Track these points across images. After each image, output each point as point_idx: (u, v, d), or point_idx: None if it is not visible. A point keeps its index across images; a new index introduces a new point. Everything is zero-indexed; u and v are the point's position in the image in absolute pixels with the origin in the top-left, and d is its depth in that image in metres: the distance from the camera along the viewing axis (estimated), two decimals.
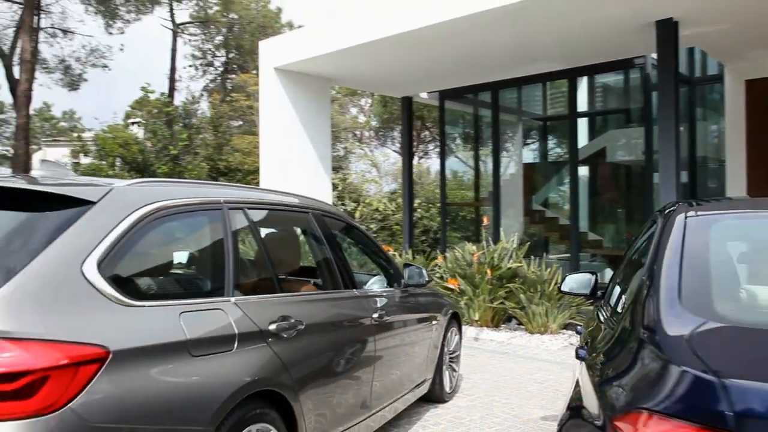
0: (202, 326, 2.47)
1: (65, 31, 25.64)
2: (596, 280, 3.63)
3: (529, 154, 13.95)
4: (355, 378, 3.57)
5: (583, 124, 12.25)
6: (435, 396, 5.18)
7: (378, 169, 26.36)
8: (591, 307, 4.29)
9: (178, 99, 27.81)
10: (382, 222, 17.53)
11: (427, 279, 4.71)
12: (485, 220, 10.31)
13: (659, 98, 8.25)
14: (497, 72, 10.70)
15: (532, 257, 9.21)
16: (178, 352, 2.30)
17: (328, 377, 3.26)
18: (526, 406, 5.23)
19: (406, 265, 4.73)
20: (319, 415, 3.10)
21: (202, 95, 30.41)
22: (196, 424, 2.26)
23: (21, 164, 19.48)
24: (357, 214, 17.19)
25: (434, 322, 4.96)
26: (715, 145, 11.91)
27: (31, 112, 23.39)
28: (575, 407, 2.03)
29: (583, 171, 12.21)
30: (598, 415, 1.68)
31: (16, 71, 21.22)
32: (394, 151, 27.39)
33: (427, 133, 25.36)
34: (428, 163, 27.28)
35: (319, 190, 11.04)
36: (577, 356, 2.39)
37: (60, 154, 26.43)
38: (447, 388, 5.32)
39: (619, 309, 2.35)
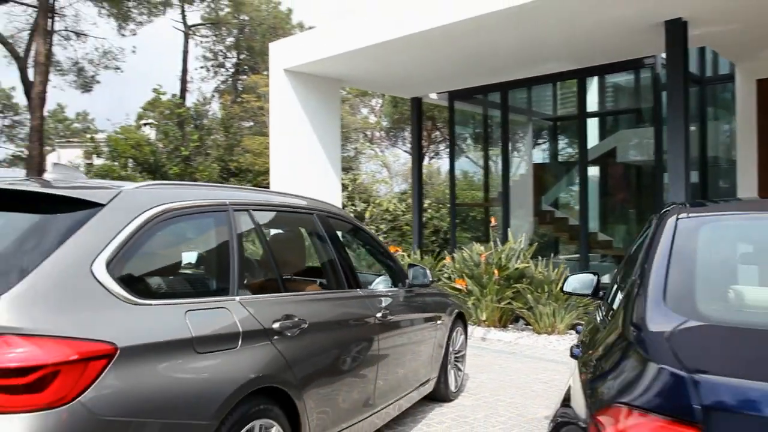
0: (207, 324, 2.55)
1: (78, 34, 25.94)
2: (598, 280, 3.68)
3: (539, 155, 13.96)
4: (359, 376, 3.64)
5: (592, 124, 12.25)
6: (440, 395, 5.24)
7: (388, 169, 26.41)
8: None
9: (190, 100, 28.05)
10: (392, 222, 17.55)
11: (430, 279, 4.78)
12: (493, 221, 10.35)
13: (668, 98, 8.25)
14: (507, 72, 10.72)
15: (542, 258, 9.23)
16: (184, 349, 2.38)
17: (331, 375, 3.34)
18: (531, 406, 5.27)
19: (411, 266, 4.79)
20: (323, 412, 3.17)
21: (213, 96, 30.65)
22: (200, 419, 2.34)
23: (35, 165, 19.73)
24: (367, 215, 17.23)
25: (439, 322, 5.01)
26: (727, 145, 11.87)
27: (45, 113, 23.68)
28: (566, 404, 2.08)
29: (593, 171, 12.20)
30: (584, 411, 1.74)
31: (31, 73, 21.49)
32: (405, 151, 27.44)
33: (437, 133, 25.38)
34: (439, 164, 27.32)
35: (329, 190, 11.11)
36: (572, 355, 2.44)
37: (73, 155, 26.72)
38: (452, 387, 5.38)
39: (613, 308, 2.41)
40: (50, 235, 2.26)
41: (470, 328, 8.56)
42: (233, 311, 2.71)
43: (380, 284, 4.65)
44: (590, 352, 2.15)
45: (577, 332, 4.02)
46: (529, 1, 7.28)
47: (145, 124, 23.58)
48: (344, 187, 16.88)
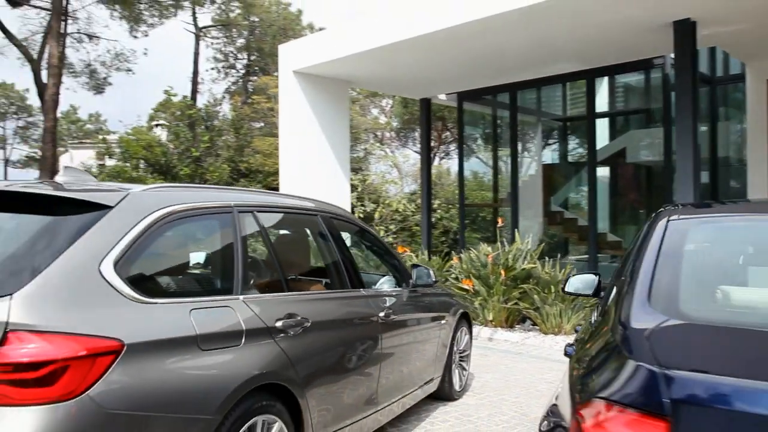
0: (211, 322, 2.63)
1: (91, 36, 26.22)
2: (599, 280, 3.73)
3: (548, 155, 13.99)
4: (361, 374, 3.72)
5: (601, 124, 12.26)
6: (444, 394, 5.30)
7: (399, 169, 26.44)
8: None
9: (201, 101, 28.26)
10: (402, 223, 17.58)
11: (434, 279, 4.85)
12: (500, 221, 10.38)
13: (677, 98, 8.25)
14: (515, 73, 10.75)
15: (551, 258, 9.24)
16: (188, 346, 2.47)
17: (334, 373, 3.41)
18: (535, 405, 5.32)
19: (414, 266, 4.86)
20: (325, 409, 3.25)
21: (224, 97, 30.84)
22: (204, 413, 2.43)
23: (48, 166, 19.97)
24: (376, 215, 17.26)
25: (443, 322, 5.08)
26: (738, 145, 11.84)
27: (59, 115, 23.94)
28: (555, 402, 2.15)
29: (602, 172, 12.21)
30: (569, 407, 1.80)
31: (44, 76, 21.74)
32: (415, 151, 27.49)
33: (448, 133, 25.41)
34: (449, 164, 27.34)
35: (338, 191, 11.19)
36: (565, 353, 2.50)
37: (86, 156, 26.97)
38: (456, 387, 5.44)
39: (606, 307, 2.47)
40: (61, 236, 2.35)
41: (477, 329, 8.62)
42: (237, 310, 2.80)
43: (385, 284, 4.73)
44: (581, 350, 2.21)
45: (576, 332, 4.07)
46: (538, 2, 7.32)
47: (156, 125, 23.77)
48: (354, 187, 16.93)
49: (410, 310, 4.59)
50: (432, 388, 5.05)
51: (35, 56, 23.30)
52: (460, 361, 5.60)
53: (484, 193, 15.18)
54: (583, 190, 12.13)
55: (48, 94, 20.29)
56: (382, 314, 4.01)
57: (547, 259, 9.21)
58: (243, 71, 32.80)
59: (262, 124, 25.36)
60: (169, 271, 2.90)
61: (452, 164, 26.71)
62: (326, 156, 11.13)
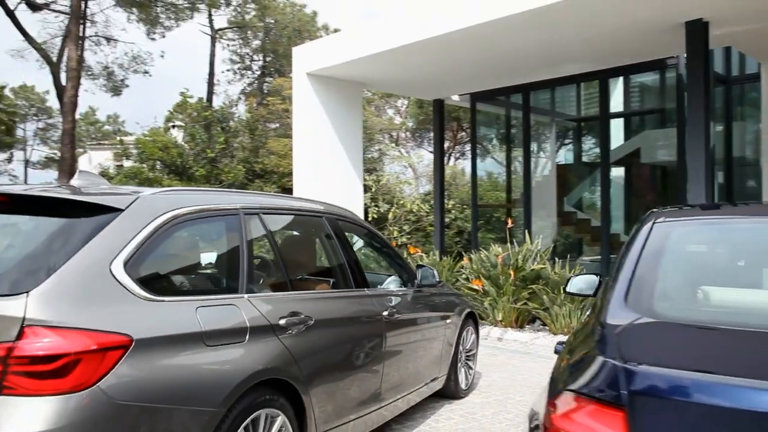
0: (216, 319, 2.76)
1: (109, 39, 26.59)
2: (600, 281, 3.80)
3: (562, 156, 13.99)
4: (365, 371, 3.83)
5: (615, 125, 12.25)
6: (450, 392, 5.39)
7: (414, 170, 26.51)
8: None
9: (217, 103, 28.54)
10: (416, 223, 17.64)
11: (438, 279, 4.96)
12: (510, 222, 10.44)
13: (688, 99, 8.24)
14: (528, 74, 10.77)
15: (561, 259, 9.27)
16: (194, 342, 2.60)
17: (337, 369, 3.53)
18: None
19: (419, 266, 4.98)
20: (328, 404, 3.36)
21: (239, 99, 31.11)
22: (209, 406, 2.55)
23: (67, 167, 20.31)
24: (390, 216, 17.35)
25: (448, 321, 5.17)
26: (754, 145, 11.77)
27: (77, 116, 24.31)
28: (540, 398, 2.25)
29: (615, 172, 12.20)
30: (546, 399, 1.91)
31: (63, 78, 22.10)
32: (430, 152, 27.52)
33: (463, 134, 25.44)
34: (464, 165, 27.37)
35: (351, 192, 11.30)
36: (555, 351, 2.60)
37: (103, 157, 27.38)
38: (462, 385, 5.53)
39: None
40: (74, 237, 2.49)
41: (487, 329, 8.70)
42: (242, 308, 2.92)
43: (391, 284, 4.84)
44: (565, 348, 2.31)
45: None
46: (551, 3, 7.35)
47: (173, 127, 24.09)
48: (368, 188, 17.02)
49: (415, 310, 4.70)
50: (438, 386, 5.15)
51: (54, 59, 23.69)
52: (467, 360, 5.69)
53: (498, 194, 15.21)
54: (596, 191, 12.13)
55: (67, 97, 20.64)
56: (386, 313, 4.12)
57: (556, 259, 9.26)
58: (258, 73, 33.08)
59: (277, 125, 25.56)
60: (176, 271, 3.03)
61: (467, 165, 26.72)
62: (339, 157, 11.24)
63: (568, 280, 3.94)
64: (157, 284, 2.67)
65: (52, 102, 41.58)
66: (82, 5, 22.80)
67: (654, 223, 2.41)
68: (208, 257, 3.36)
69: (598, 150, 11.40)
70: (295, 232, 4.32)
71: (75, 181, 3.03)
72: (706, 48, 7.98)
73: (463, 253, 11.22)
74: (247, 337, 2.85)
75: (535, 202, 11.90)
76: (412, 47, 9.15)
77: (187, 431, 2.48)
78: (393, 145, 28.08)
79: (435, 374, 5.01)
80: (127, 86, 29.05)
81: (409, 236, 17.19)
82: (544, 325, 8.79)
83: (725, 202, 9.75)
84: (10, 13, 23.12)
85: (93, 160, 33.98)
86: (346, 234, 4.25)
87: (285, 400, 2.99)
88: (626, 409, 1.54)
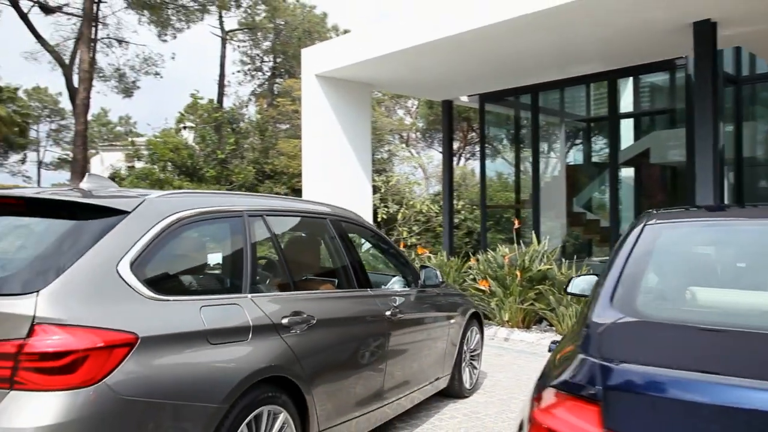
0: (220, 318, 2.84)
1: (120, 41, 26.84)
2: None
3: (571, 156, 13.98)
4: (367, 369, 3.90)
5: (624, 125, 12.25)
6: (454, 391, 5.45)
7: (424, 170, 26.55)
8: None
9: (227, 104, 28.73)
10: (426, 224, 17.67)
11: (440, 280, 5.04)
12: (517, 223, 10.47)
13: (696, 99, 8.25)
14: (537, 74, 10.79)
15: (575, 260, 9.28)
16: (198, 340, 2.68)
17: (339, 367, 3.61)
18: None
19: (423, 267, 5.06)
20: (330, 402, 3.44)
21: (250, 100, 31.29)
22: (212, 402, 2.63)
23: (79, 168, 20.54)
24: (399, 216, 17.39)
25: (452, 321, 5.23)
26: (764, 145, 11.73)
27: (90, 118, 24.56)
28: None
29: (625, 173, 12.19)
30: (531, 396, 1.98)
31: (75, 80, 22.34)
32: (440, 152, 27.54)
33: (473, 134, 25.46)
34: (474, 165, 27.39)
35: (360, 192, 11.37)
36: (549, 350, 2.65)
37: (115, 158, 27.63)
38: (467, 385, 5.58)
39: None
40: (83, 239, 2.59)
41: (494, 329, 8.75)
42: (245, 307, 3.00)
43: (395, 284, 4.92)
44: (557, 347, 2.37)
45: None
46: (562, 4, 7.38)
47: (184, 128, 24.29)
48: (377, 189, 17.06)
49: (418, 309, 4.76)
50: (442, 384, 5.21)
51: (67, 61, 23.95)
52: (471, 359, 5.75)
53: (508, 194, 15.22)
54: (605, 192, 12.12)
55: (79, 99, 20.88)
56: (389, 313, 4.19)
57: (563, 260, 9.28)
58: (269, 74, 33.24)
59: (288, 126, 25.70)
60: (181, 271, 3.11)
61: (477, 165, 26.70)
62: (348, 158, 11.30)
63: (569, 281, 3.97)
64: (162, 284, 2.76)
65: (65, 103, 42.05)
66: (94, 8, 23.03)
67: (645, 224, 2.47)
68: (212, 258, 3.44)
69: (607, 150, 11.40)
70: (299, 234, 4.40)
71: (84, 184, 3.14)
72: (714, 48, 7.99)
73: (470, 254, 11.25)
74: (250, 335, 2.93)
75: (544, 203, 11.90)
76: (422, 48, 9.18)
77: (191, 426, 2.56)
78: (403, 145, 28.13)
79: (439, 373, 5.07)
80: (138, 88, 29.37)
81: (418, 237, 17.22)
82: (551, 325, 8.82)
83: (731, 203, 9.73)
84: (24, 16, 23.41)
85: (105, 161, 34.29)
86: (350, 235, 4.32)
87: (287, 398, 3.07)
88: (601, 403, 1.61)
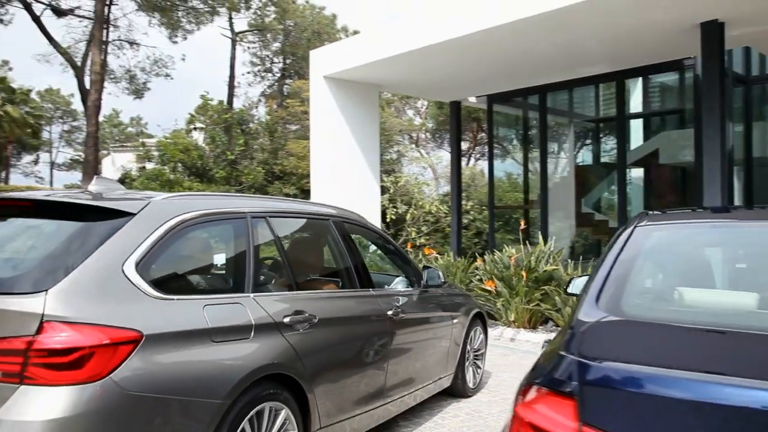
0: (223, 317, 2.93)
1: (131, 43, 27.08)
2: None
3: (579, 157, 13.99)
4: (369, 368, 3.97)
5: (633, 126, 12.25)
6: (458, 390, 5.51)
7: (433, 171, 26.60)
8: None
9: (237, 105, 28.90)
10: (435, 224, 17.71)
11: (443, 280, 5.11)
12: (522, 224, 10.50)
13: (703, 99, 8.26)
14: (545, 75, 10.81)
15: (584, 260, 9.31)
16: (201, 338, 2.77)
17: (341, 365, 3.68)
18: None
19: (425, 268, 5.12)
20: (332, 399, 3.51)
21: (260, 101, 31.45)
22: (215, 397, 2.72)
23: (91, 169, 20.76)
24: (408, 217, 17.44)
25: (455, 321, 5.29)
26: None
27: (101, 119, 24.80)
28: None
29: (634, 173, 12.20)
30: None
31: (87, 82, 22.56)
32: (450, 152, 27.57)
33: (483, 134, 25.47)
34: (484, 165, 27.36)
35: (368, 193, 11.43)
36: (542, 348, 2.71)
37: (126, 159, 27.86)
38: (470, 384, 5.64)
39: None
40: (90, 240, 2.68)
41: (500, 329, 8.79)
42: (247, 306, 3.09)
43: (399, 285, 4.98)
44: (548, 344, 2.43)
45: None
46: (570, 5, 7.40)
47: (194, 129, 24.51)
48: (386, 189, 17.11)
49: (420, 309, 4.83)
50: (445, 383, 5.26)
51: (79, 63, 24.20)
52: (475, 359, 5.80)
53: (517, 195, 15.23)
54: (614, 192, 12.12)
55: (90, 101, 21.10)
56: (390, 312, 4.26)
57: (569, 261, 9.31)
58: (278, 75, 33.40)
59: (297, 127, 25.83)
60: (184, 272, 3.20)
61: (486, 166, 26.68)
62: (356, 159, 11.36)
63: (569, 281, 4.02)
64: (166, 283, 2.84)
65: (77, 105, 42.40)
66: (106, 10, 23.26)
67: (636, 226, 2.53)
68: (215, 258, 3.53)
69: (615, 151, 11.40)
70: (302, 235, 4.48)
71: (92, 187, 3.24)
72: (721, 49, 7.99)
73: (477, 255, 11.30)
74: (252, 333, 3.01)
75: (552, 204, 11.91)
76: (430, 49, 9.22)
77: (194, 421, 2.64)
78: (413, 146, 28.17)
79: (442, 372, 5.13)
80: (148, 89, 29.64)
81: (427, 237, 17.25)
82: (557, 326, 8.85)
83: (734, 205, 9.70)
84: (36, 19, 23.68)
85: (116, 162, 34.57)
86: (353, 236, 4.39)
87: (289, 394, 3.15)
88: (577, 398, 1.69)
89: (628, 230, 2.52)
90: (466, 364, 5.57)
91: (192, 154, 19.56)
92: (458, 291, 6.00)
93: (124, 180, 20.84)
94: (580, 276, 4.14)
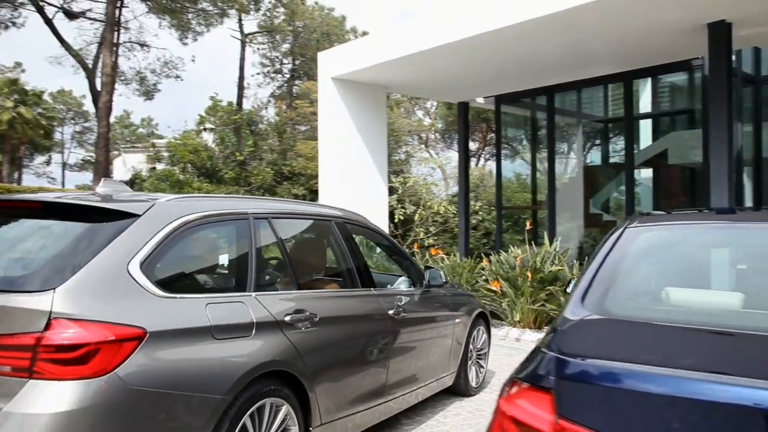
0: (224, 315, 3.01)
1: (142, 45, 27.32)
2: None
3: (587, 157, 13.99)
4: (370, 366, 4.05)
5: (641, 126, 12.23)
6: (460, 389, 5.57)
7: (443, 171, 26.63)
8: None
9: (247, 106, 29.08)
10: (444, 225, 17.74)
11: (444, 280, 5.19)
12: (528, 225, 10.53)
13: (711, 100, 8.24)
14: (553, 76, 10.81)
15: (583, 261, 9.33)
16: (203, 335, 2.86)
17: (341, 364, 3.76)
18: None
19: (427, 268, 5.19)
20: (333, 395, 3.59)
21: (269, 102, 31.61)
22: (216, 393, 2.80)
23: (102, 169, 20.97)
24: (416, 217, 17.48)
25: (457, 320, 5.35)
26: None
27: (112, 120, 25.02)
28: None
29: (642, 174, 12.18)
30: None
31: (98, 83, 22.78)
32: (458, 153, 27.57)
33: (492, 135, 25.47)
34: (493, 166, 27.34)
35: (376, 194, 11.49)
36: None
37: (136, 160, 28.12)
38: (473, 383, 5.70)
39: None
40: (97, 240, 2.78)
41: (506, 329, 8.84)
42: (249, 305, 3.17)
43: (401, 284, 5.05)
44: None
45: None
46: (578, 6, 7.41)
47: (204, 130, 24.69)
48: (394, 190, 17.16)
49: (422, 309, 4.89)
50: (448, 382, 5.33)
51: (90, 65, 24.44)
52: (478, 358, 5.86)
53: (525, 195, 15.23)
54: (623, 192, 12.11)
55: (101, 102, 21.31)
56: (392, 311, 4.33)
57: (576, 261, 9.34)
58: (288, 76, 33.56)
59: (306, 128, 25.95)
60: (188, 271, 3.29)
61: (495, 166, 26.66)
62: (364, 160, 11.42)
63: (569, 282, 4.09)
64: (170, 282, 2.94)
65: (89, 106, 42.78)
66: (117, 13, 23.48)
67: (626, 227, 2.59)
68: (218, 258, 3.61)
69: (624, 151, 11.40)
70: (304, 235, 4.56)
71: (99, 189, 3.34)
72: (729, 49, 7.97)
73: (483, 255, 11.33)
74: (254, 331, 3.10)
75: (560, 204, 11.91)
76: (438, 50, 9.25)
77: (196, 415, 2.73)
78: (422, 146, 28.21)
79: (444, 371, 5.19)
80: (159, 91, 29.89)
81: (435, 238, 17.28)
82: None
83: (737, 206, 9.68)
84: (49, 22, 23.94)
85: (127, 163, 34.86)
86: (355, 237, 4.46)
87: (290, 391, 3.23)
88: (553, 392, 1.76)
89: (618, 231, 2.58)
90: (469, 363, 5.63)
91: (202, 154, 19.71)
92: (461, 291, 6.05)
93: (135, 180, 21.03)
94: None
